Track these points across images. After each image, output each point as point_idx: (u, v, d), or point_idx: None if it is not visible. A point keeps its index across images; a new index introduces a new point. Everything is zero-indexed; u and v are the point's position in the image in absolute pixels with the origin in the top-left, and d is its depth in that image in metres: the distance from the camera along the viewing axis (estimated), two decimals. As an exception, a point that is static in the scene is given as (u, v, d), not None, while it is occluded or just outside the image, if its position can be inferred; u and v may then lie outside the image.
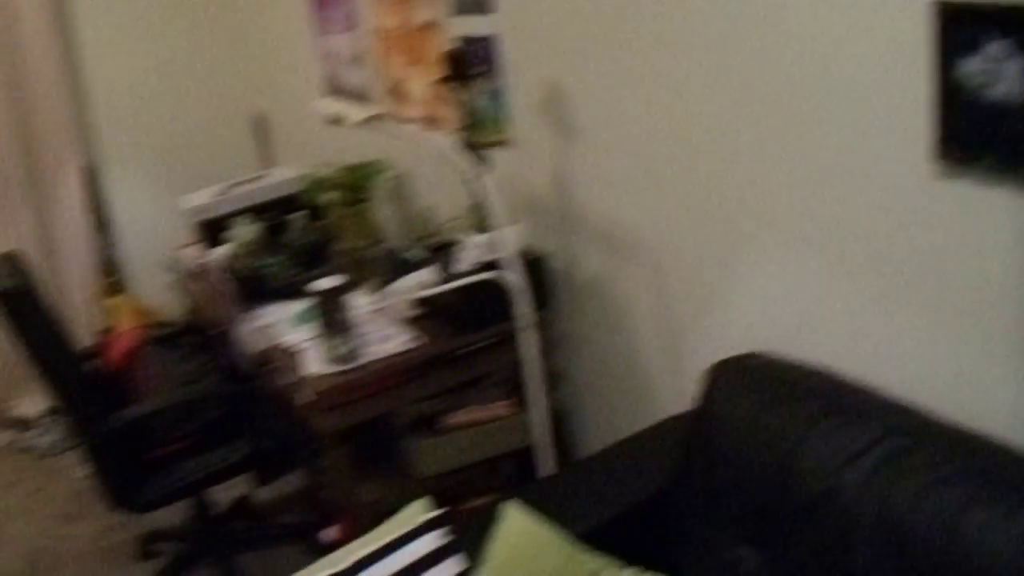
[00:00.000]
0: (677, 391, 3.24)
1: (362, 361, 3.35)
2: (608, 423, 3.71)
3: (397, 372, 3.39)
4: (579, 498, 2.73)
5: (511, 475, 3.95)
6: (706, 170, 2.79)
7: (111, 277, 6.20)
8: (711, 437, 2.52)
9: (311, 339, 3.53)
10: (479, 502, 3.83)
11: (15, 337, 3.73)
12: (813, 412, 2.30)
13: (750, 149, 2.61)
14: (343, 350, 3.31)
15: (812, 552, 2.20)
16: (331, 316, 3.28)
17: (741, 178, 2.67)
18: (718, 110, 2.67)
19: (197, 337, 4.85)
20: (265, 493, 4.93)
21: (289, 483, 4.86)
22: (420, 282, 3.51)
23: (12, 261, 3.94)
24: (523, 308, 3.19)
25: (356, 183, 4.40)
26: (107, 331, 4.54)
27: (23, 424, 6.18)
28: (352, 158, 4.55)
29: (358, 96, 4.81)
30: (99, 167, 6.19)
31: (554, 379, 3.84)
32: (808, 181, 2.45)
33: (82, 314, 6.16)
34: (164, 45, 6.18)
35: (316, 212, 4.60)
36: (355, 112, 3.23)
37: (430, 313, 3.58)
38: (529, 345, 3.24)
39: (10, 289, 3.60)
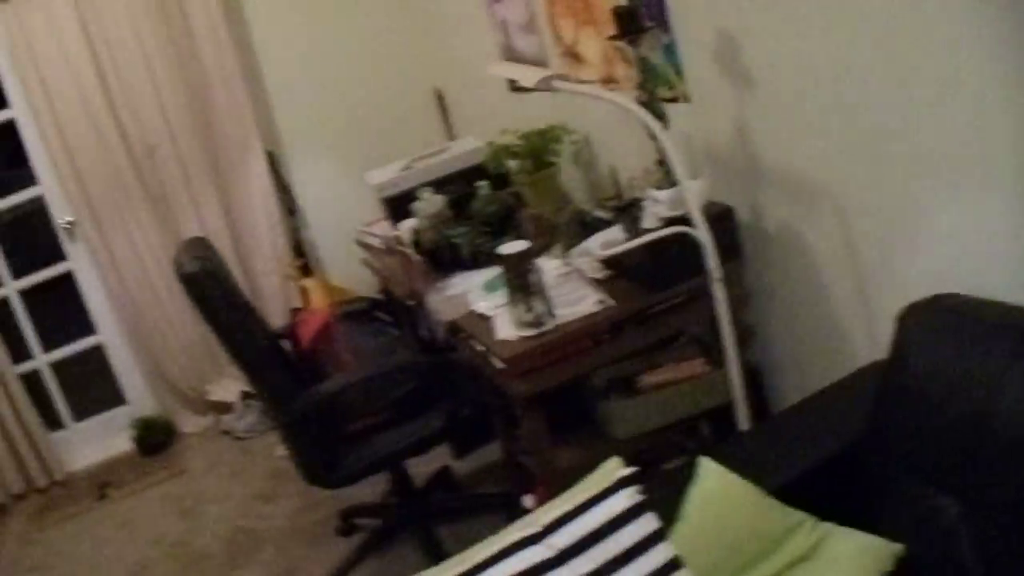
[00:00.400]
0: (869, 339, 3.20)
1: (553, 324, 3.37)
2: (801, 376, 3.68)
3: (589, 334, 3.41)
4: (773, 454, 2.75)
5: (706, 434, 3.95)
6: (888, 112, 2.73)
7: (300, 259, 6.38)
8: (905, 384, 2.47)
9: (502, 306, 3.55)
10: (675, 463, 3.87)
11: (206, 320, 3.88)
12: (1008, 350, 2.23)
13: (933, 88, 2.55)
14: (534, 314, 3.33)
15: (1015, 497, 2.15)
16: (520, 281, 3.30)
17: (925, 118, 2.62)
18: (900, 50, 2.62)
19: (388, 311, 4.96)
20: (464, 464, 5.00)
21: (487, 453, 4.91)
22: (607, 241, 3.52)
23: (199, 245, 4.08)
24: (712, 263, 3.17)
25: (539, 149, 4.43)
26: (298, 311, 4.67)
27: (221, 408, 6.40)
28: (532, 125, 4.58)
29: (532, 62, 4.80)
30: (282, 150, 6.38)
31: (745, 334, 3.81)
32: (994, 117, 2.40)
33: (273, 297, 6.37)
34: (337, 25, 6.33)
35: (500, 181, 4.64)
36: (532, 74, 3.27)
37: (619, 273, 3.59)
38: (720, 300, 3.22)
39: (198, 272, 3.72)
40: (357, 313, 4.46)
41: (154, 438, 6.40)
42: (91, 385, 6.86)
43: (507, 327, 3.45)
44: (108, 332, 6.50)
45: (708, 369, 3.67)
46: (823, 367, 3.45)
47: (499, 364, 3.41)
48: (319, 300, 5.82)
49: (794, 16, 2.96)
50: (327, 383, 4.00)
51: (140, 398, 6.59)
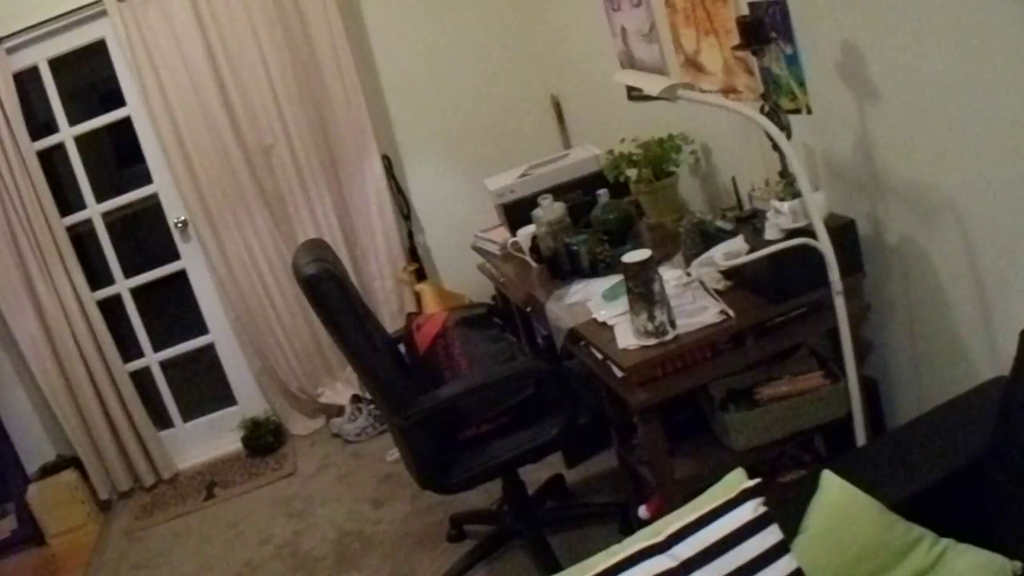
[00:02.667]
0: (991, 355, 3.22)
1: (674, 334, 3.43)
2: (919, 391, 3.71)
3: (709, 345, 3.48)
4: (894, 468, 2.78)
5: (823, 448, 4.02)
6: (1013, 123, 2.75)
7: (415, 264, 6.47)
8: None
9: (622, 314, 3.61)
10: (792, 476, 3.93)
11: (324, 323, 3.96)
12: None
13: None
14: (656, 324, 3.39)
15: None
16: (643, 290, 3.36)
17: None
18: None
19: (505, 318, 5.05)
20: (575, 473, 5.06)
21: (600, 462, 4.98)
22: (728, 252, 3.56)
23: (318, 247, 4.16)
24: (834, 275, 3.23)
25: (658, 158, 4.49)
26: (414, 315, 4.73)
27: (331, 411, 6.54)
28: (649, 134, 4.62)
29: (652, 71, 4.83)
30: (397, 154, 6.50)
31: (864, 347, 3.87)
32: None
33: (387, 300, 6.48)
34: (454, 30, 6.43)
35: (620, 189, 4.69)
36: (655, 82, 3.35)
37: (739, 284, 3.65)
38: (841, 313, 3.28)
39: (319, 274, 3.79)
40: (474, 319, 4.46)
41: (263, 439, 6.53)
42: (201, 385, 7.05)
43: (628, 336, 3.52)
44: (219, 332, 6.66)
45: (826, 382, 3.69)
46: (942, 383, 3.50)
47: (619, 373, 3.49)
48: (433, 305, 5.92)
49: (922, 28, 2.98)
50: (444, 388, 4.05)
51: (250, 399, 6.75)
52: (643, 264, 3.34)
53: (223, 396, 6.84)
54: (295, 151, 6.18)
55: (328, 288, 3.81)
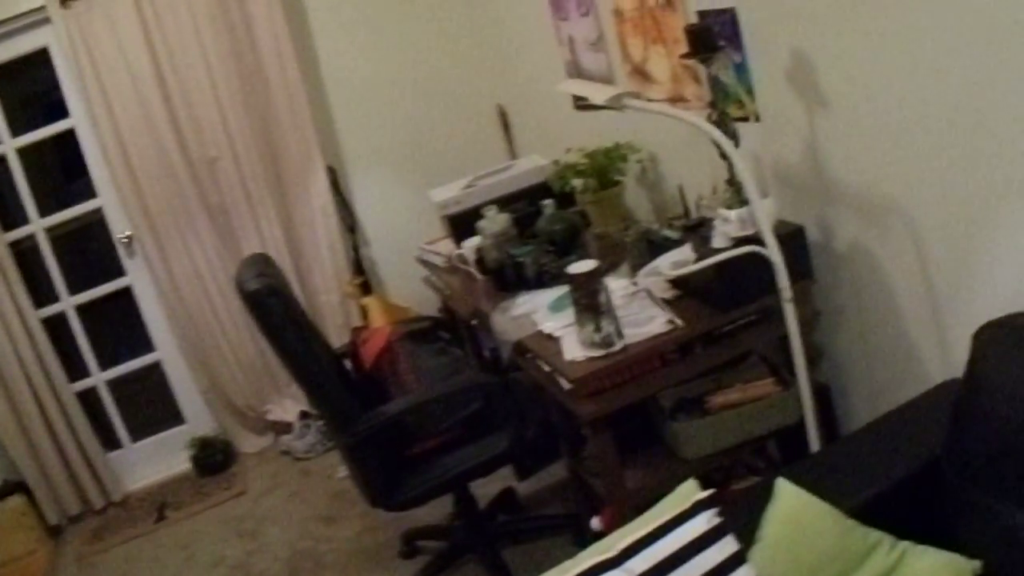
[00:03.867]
0: (942, 359, 3.22)
1: (621, 345, 3.39)
2: (872, 396, 3.70)
3: (657, 355, 3.43)
4: (849, 473, 2.76)
5: (775, 455, 4.01)
6: (963, 129, 2.76)
7: (361, 276, 6.40)
8: (982, 402, 2.47)
9: (568, 326, 3.56)
10: (744, 484, 3.92)
11: (268, 340, 3.89)
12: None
13: (1008, 104, 2.57)
14: (602, 335, 3.35)
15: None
16: (589, 301, 3.32)
17: (1000, 134, 2.64)
18: (975, 65, 2.64)
19: (451, 331, 4.99)
20: (527, 486, 5.00)
21: (551, 474, 4.90)
22: (676, 261, 3.54)
23: (261, 262, 4.09)
24: (783, 282, 3.19)
25: (604, 168, 4.48)
26: (359, 330, 4.68)
27: (280, 428, 6.45)
28: (596, 143, 4.61)
29: (599, 80, 4.82)
30: (344, 167, 6.43)
31: (815, 353, 3.84)
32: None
33: (333, 314, 6.40)
34: (400, 42, 6.37)
35: (565, 199, 4.67)
36: (601, 91, 3.30)
37: (687, 293, 3.62)
38: (791, 320, 3.24)
39: (261, 290, 3.73)
40: (419, 332, 4.42)
41: (212, 458, 6.45)
42: (149, 404, 6.87)
43: (574, 348, 3.47)
44: (166, 349, 6.54)
45: (777, 389, 3.67)
46: (894, 387, 3.50)
47: (566, 385, 3.44)
48: (379, 319, 5.86)
49: (872, 36, 2.98)
50: (390, 404, 4.01)
51: (198, 417, 6.64)
52: (589, 275, 3.30)
53: (171, 415, 6.72)
54: (240, 163, 6.09)
55: (271, 304, 3.76)
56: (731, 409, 3.66)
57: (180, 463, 6.56)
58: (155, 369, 6.64)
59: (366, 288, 6.39)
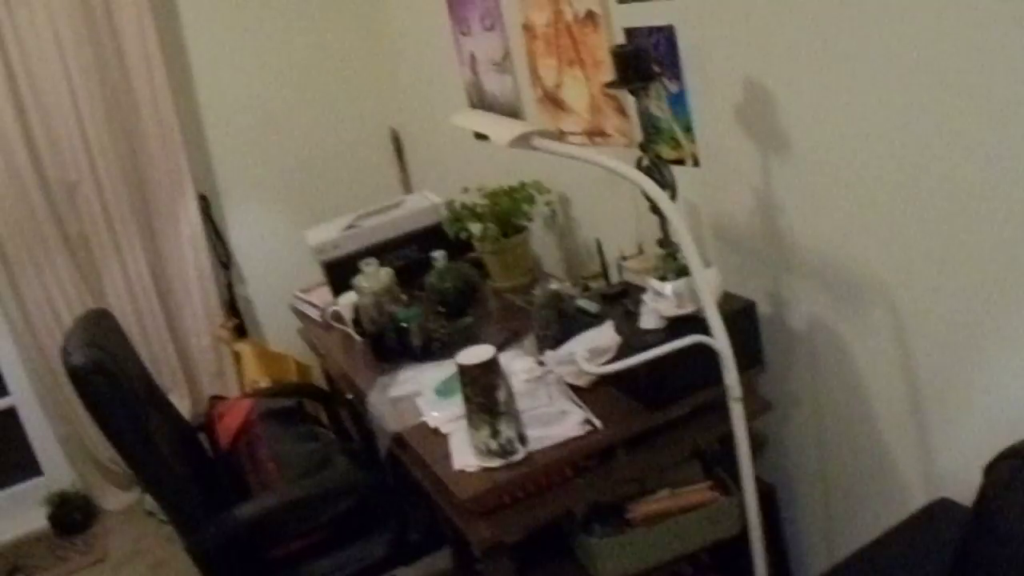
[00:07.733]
0: (922, 474, 2.71)
1: (524, 453, 2.71)
2: (827, 500, 3.19)
3: (570, 463, 2.78)
4: None
5: (707, 563, 3.33)
6: (965, 192, 2.24)
7: (235, 319, 5.82)
8: (996, 551, 2.08)
9: (459, 418, 2.88)
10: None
11: (97, 424, 3.26)
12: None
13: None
14: (500, 441, 2.65)
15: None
16: (484, 399, 2.62)
17: (1014, 201, 2.13)
18: (981, 112, 2.12)
19: (327, 400, 4.43)
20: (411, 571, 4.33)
21: (438, 561, 4.24)
22: (595, 348, 2.84)
23: (95, 324, 3.44)
24: (731, 378, 2.54)
25: (507, 211, 4.00)
26: (217, 400, 4.01)
27: (145, 485, 5.79)
28: (500, 179, 4.13)
29: (504, 106, 4.32)
30: (218, 195, 5.85)
31: (758, 443, 3.34)
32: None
33: (205, 361, 5.84)
34: (284, 56, 5.83)
35: (461, 246, 4.15)
36: (505, 128, 2.60)
37: (608, 379, 2.93)
38: (739, 422, 2.61)
39: (85, 366, 3.07)
40: (283, 411, 3.83)
41: (71, 515, 5.84)
42: (2, 453, 6.28)
43: (466, 452, 2.77)
44: (21, 394, 5.93)
45: (714, 495, 3.03)
46: (855, 491, 3.03)
47: (455, 500, 2.71)
48: (253, 369, 5.30)
49: (852, 63, 2.41)
50: (244, 507, 3.35)
51: (56, 469, 6.02)
52: (483, 367, 2.58)
53: (27, 465, 6.14)
54: (103, 188, 5.46)
55: (96, 383, 3.07)
56: (656, 521, 2.99)
57: (36, 520, 5.91)
58: (9, 415, 6.02)
59: (241, 331, 5.80)
